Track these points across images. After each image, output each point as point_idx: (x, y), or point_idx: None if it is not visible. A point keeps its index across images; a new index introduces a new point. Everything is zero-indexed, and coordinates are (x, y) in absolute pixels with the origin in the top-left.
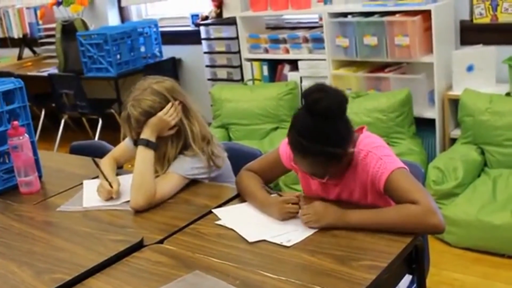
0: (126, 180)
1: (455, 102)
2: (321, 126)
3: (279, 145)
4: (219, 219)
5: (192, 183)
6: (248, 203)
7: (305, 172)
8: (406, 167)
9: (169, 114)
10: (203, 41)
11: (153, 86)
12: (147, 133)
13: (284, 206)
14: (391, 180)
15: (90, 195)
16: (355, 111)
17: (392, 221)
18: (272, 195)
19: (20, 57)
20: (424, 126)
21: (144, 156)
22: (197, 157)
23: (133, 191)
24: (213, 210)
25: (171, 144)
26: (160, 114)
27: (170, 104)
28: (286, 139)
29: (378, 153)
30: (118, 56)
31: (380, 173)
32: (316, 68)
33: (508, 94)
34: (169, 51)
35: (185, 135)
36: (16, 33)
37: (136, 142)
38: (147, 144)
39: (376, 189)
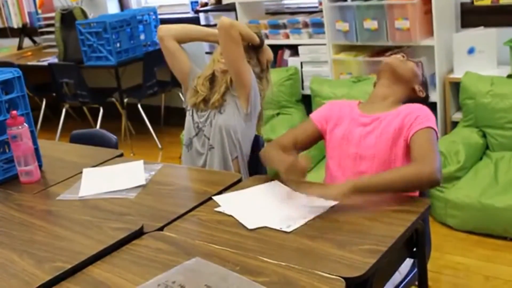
0: (126, 168)
1: (456, 85)
2: None
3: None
4: (218, 205)
5: (189, 170)
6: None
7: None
8: (437, 130)
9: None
10: None
11: None
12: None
13: (290, 171)
14: (422, 133)
15: (89, 183)
16: (356, 96)
17: (394, 178)
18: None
19: (20, 47)
20: None
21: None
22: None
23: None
24: (213, 197)
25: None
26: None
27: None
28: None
29: (426, 111)
30: (118, 44)
31: (419, 122)
32: (317, 53)
33: (509, 76)
34: None
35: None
36: (16, 23)
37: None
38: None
39: (405, 136)
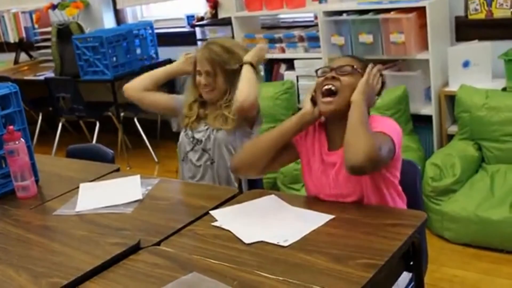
0: (123, 182)
1: (451, 98)
2: None
3: None
4: (215, 220)
5: (186, 184)
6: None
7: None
8: (394, 139)
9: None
10: (198, 42)
11: None
12: (250, 56)
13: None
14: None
15: (86, 198)
16: None
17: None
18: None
19: (16, 62)
20: (421, 123)
21: (251, 73)
22: None
23: (246, 88)
24: (210, 212)
25: None
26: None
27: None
28: None
29: (386, 122)
30: (114, 59)
31: (374, 127)
32: (312, 67)
33: (504, 89)
34: (165, 53)
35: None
36: (12, 38)
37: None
38: (251, 65)
39: None
